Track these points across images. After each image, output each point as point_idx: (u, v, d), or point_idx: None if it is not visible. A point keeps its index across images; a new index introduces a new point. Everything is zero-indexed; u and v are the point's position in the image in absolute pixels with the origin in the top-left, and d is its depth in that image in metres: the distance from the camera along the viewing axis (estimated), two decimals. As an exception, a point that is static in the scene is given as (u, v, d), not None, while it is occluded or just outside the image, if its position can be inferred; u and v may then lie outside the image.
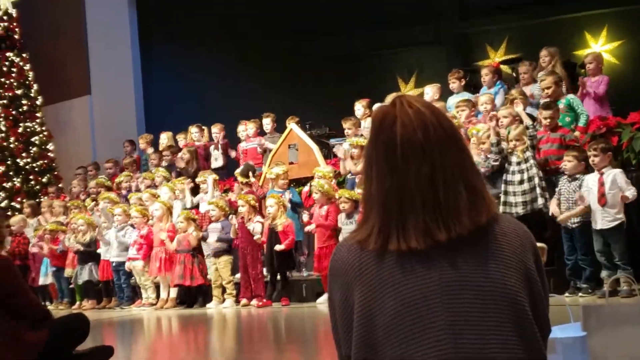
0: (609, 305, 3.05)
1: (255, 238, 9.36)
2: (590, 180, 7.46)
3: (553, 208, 7.67)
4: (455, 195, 1.78)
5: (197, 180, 11.03)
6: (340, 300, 1.86)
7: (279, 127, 11.82)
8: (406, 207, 1.78)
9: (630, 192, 7.24)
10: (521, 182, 7.95)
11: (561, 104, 8.60)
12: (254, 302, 9.39)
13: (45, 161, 15.76)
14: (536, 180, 7.90)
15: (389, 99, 10.69)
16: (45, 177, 15.62)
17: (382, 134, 1.84)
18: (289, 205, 9.71)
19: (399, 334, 1.73)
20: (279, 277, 9.46)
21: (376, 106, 10.28)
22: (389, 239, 1.78)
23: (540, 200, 7.85)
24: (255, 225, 9.41)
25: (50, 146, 15.97)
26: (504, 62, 15.29)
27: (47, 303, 12.36)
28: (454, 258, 1.76)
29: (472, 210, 1.79)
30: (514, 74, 11.22)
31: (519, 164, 8.02)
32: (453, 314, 1.72)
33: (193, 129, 12.85)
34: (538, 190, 7.88)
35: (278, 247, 9.12)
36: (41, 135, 15.83)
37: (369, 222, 1.83)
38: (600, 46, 15.31)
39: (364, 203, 1.90)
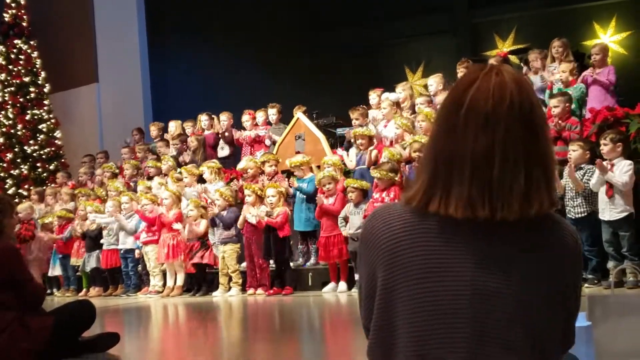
0: (614, 295, 3.05)
1: (260, 215, 9.31)
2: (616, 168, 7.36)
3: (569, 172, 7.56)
4: (511, 177, 1.65)
5: (201, 169, 11.02)
6: (366, 274, 1.80)
7: (286, 118, 11.79)
8: (455, 174, 1.67)
9: (621, 179, 7.18)
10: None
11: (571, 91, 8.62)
12: (260, 291, 9.41)
13: (53, 149, 15.81)
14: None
15: (399, 87, 10.66)
16: (53, 164, 15.67)
17: (455, 93, 1.73)
18: (299, 194, 9.74)
19: (419, 329, 1.68)
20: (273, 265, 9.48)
21: (388, 94, 10.32)
22: (432, 202, 1.69)
23: None
24: (261, 208, 9.40)
25: (57, 134, 16.01)
26: (512, 52, 15.23)
27: (55, 290, 12.42)
28: (490, 257, 1.67)
29: (525, 198, 1.65)
30: (522, 64, 11.16)
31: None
32: (478, 322, 1.65)
33: (203, 117, 12.86)
34: None
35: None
36: (48, 123, 15.87)
37: (417, 182, 1.75)
38: (608, 37, 15.24)
39: (422, 160, 1.78)
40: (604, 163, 7.26)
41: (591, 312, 2.93)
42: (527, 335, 1.65)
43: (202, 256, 10.17)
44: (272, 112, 11.90)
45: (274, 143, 11.62)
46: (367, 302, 1.80)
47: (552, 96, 8.47)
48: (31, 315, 5.18)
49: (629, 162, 7.38)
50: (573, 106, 8.60)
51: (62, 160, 15.92)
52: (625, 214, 7.26)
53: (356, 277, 8.79)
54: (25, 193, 14.88)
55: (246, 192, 9.70)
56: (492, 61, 10.25)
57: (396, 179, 8.57)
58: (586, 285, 7.47)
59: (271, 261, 9.58)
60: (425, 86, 11.76)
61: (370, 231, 1.79)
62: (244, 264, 9.91)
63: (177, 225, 10.29)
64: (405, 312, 1.69)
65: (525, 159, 1.66)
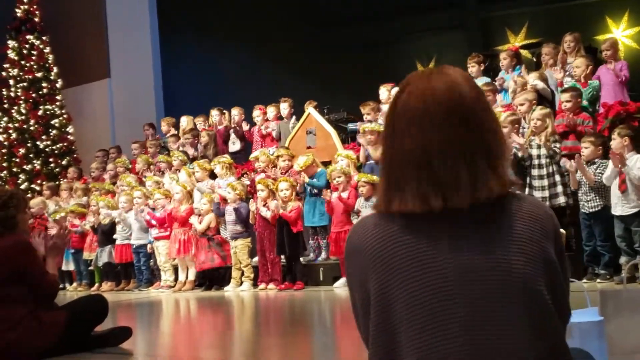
0: (626, 290, 3.05)
1: (272, 208, 9.32)
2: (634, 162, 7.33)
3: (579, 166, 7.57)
4: (453, 170, 1.76)
5: (212, 164, 11.04)
6: (357, 284, 1.86)
7: (298, 113, 11.80)
8: (406, 173, 1.80)
9: (637, 174, 7.15)
10: (541, 176, 7.91)
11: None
12: (272, 285, 9.43)
13: (65, 144, 15.88)
14: (557, 177, 7.86)
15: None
16: (65, 159, 15.74)
17: (398, 99, 1.86)
18: (309, 189, 9.76)
19: (417, 321, 1.73)
20: (284, 260, 9.49)
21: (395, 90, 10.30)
22: (392, 201, 1.81)
23: (562, 198, 7.82)
24: (272, 203, 9.43)
25: (69, 129, 16.07)
26: (523, 47, 15.19)
27: (67, 285, 12.48)
28: (463, 239, 1.76)
29: (472, 187, 1.76)
30: (534, 58, 11.14)
31: (539, 157, 7.94)
32: (469, 306, 1.72)
33: (214, 112, 12.89)
34: (559, 188, 7.85)
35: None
36: (61, 118, 15.94)
37: (380, 183, 1.88)
38: (621, 31, 15.20)
39: (381, 164, 1.91)
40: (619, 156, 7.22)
41: (603, 307, 2.92)
42: (521, 310, 1.71)
43: (212, 258, 10.16)
44: (284, 107, 11.91)
45: (278, 138, 11.65)
46: (363, 315, 1.86)
47: (563, 91, 8.44)
48: (44, 310, 5.21)
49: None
50: (584, 102, 8.57)
51: (75, 155, 15.99)
52: (637, 209, 7.23)
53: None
54: (37, 188, 14.95)
55: (259, 186, 9.71)
56: (503, 55, 10.22)
57: None
58: (598, 280, 7.46)
59: (282, 256, 9.59)
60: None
61: (352, 247, 1.89)
62: (255, 259, 9.94)
63: (193, 219, 10.28)
64: (402, 311, 1.75)
65: (464, 152, 1.77)
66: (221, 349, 5.58)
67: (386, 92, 10.83)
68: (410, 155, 1.79)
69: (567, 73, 9.26)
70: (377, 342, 1.81)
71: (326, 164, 10.00)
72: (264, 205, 9.55)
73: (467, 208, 1.76)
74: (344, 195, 9.11)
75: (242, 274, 9.91)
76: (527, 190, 7.87)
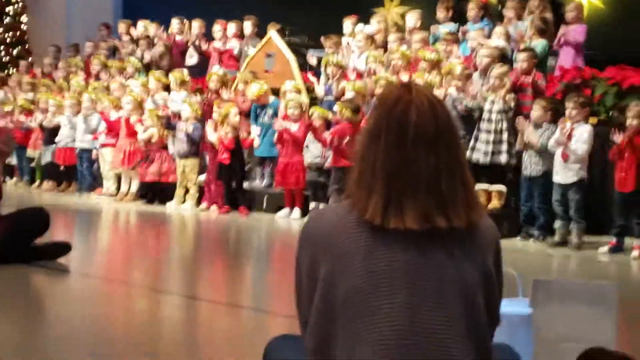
0: (558, 281, 3.17)
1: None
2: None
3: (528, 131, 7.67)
4: (454, 189, 1.88)
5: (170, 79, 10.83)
6: (307, 267, 1.94)
7: (260, 33, 11.60)
8: (409, 190, 1.86)
9: (580, 149, 7.30)
10: (488, 131, 7.98)
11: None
12: (214, 207, 9.44)
13: (17, 33, 15.44)
14: (505, 135, 7.92)
15: (374, 19, 10.48)
16: (16, 49, 15.34)
17: (394, 113, 1.91)
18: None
19: (357, 309, 1.82)
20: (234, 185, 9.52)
21: (362, 27, 10.19)
22: (389, 215, 1.85)
23: (504, 157, 7.88)
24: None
25: (23, 18, 15.60)
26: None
27: (7, 179, 12.32)
28: (429, 246, 1.86)
29: (468, 206, 1.90)
30: (499, 7, 10.98)
31: (490, 112, 8.00)
32: (412, 295, 1.81)
33: (175, 21, 12.47)
34: (504, 146, 7.92)
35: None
36: (16, 7, 15.44)
37: (371, 195, 1.88)
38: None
39: (362, 172, 1.92)
40: (565, 131, 7.30)
41: (534, 295, 3.03)
42: (456, 301, 1.83)
43: (156, 172, 10.09)
44: (248, 25, 11.68)
45: (238, 58, 11.46)
46: (307, 299, 1.94)
47: (521, 51, 8.38)
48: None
49: (589, 127, 7.44)
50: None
51: (26, 46, 15.57)
52: (576, 178, 7.37)
53: (312, 205, 8.88)
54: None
55: (215, 109, 9.58)
56: (471, 6, 10.04)
57: (355, 118, 8.48)
58: (532, 240, 7.66)
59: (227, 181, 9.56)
60: (402, 15, 11.65)
61: (309, 233, 1.97)
62: (201, 179, 9.89)
63: (139, 129, 10.12)
64: (341, 299, 1.84)
65: (460, 169, 1.92)
66: (155, 276, 5.64)
67: (350, 26, 10.72)
68: (420, 172, 1.87)
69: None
70: (315, 326, 1.90)
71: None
72: (214, 130, 9.44)
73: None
74: (294, 128, 9.08)
75: (186, 192, 9.89)
76: (471, 142, 7.96)
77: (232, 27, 11.79)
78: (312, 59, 10.49)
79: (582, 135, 7.33)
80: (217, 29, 11.89)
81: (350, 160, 8.24)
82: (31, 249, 5.43)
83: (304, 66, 11.01)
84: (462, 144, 2.07)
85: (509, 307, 2.77)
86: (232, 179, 9.37)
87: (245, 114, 9.80)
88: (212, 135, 9.38)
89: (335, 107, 8.83)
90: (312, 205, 8.90)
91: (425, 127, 1.88)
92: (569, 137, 7.29)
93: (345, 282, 1.84)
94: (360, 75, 9.69)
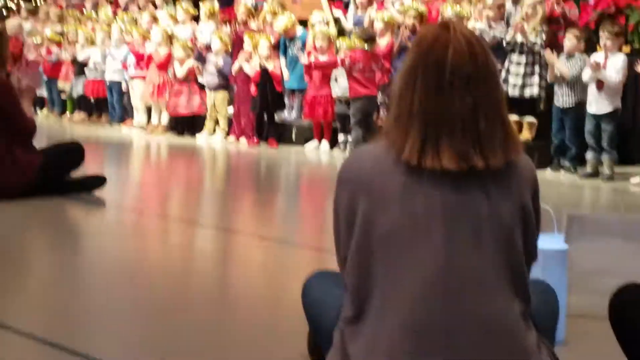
0: (592, 215, 3.18)
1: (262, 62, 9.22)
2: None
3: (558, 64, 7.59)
4: (493, 129, 1.88)
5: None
6: (346, 206, 1.96)
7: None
8: (446, 130, 1.86)
9: (615, 78, 7.21)
10: (519, 64, 7.89)
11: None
12: (243, 139, 9.46)
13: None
14: (536, 67, 7.84)
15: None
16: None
17: (432, 54, 1.89)
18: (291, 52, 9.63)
19: (395, 248, 1.86)
20: (266, 117, 9.51)
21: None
22: (425, 156, 1.85)
23: (535, 89, 7.81)
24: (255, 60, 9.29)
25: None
26: None
27: (38, 110, 12.41)
28: (466, 186, 1.87)
29: (505, 146, 1.89)
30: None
31: (522, 45, 7.88)
32: (450, 235, 1.84)
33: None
34: (535, 78, 7.84)
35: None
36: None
37: (408, 136, 1.88)
38: None
39: (400, 113, 1.92)
40: (598, 61, 7.20)
41: (568, 229, 3.04)
42: (493, 239, 1.86)
43: (185, 105, 10.11)
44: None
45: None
46: (346, 234, 1.96)
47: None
48: (21, 150, 5.30)
49: (623, 56, 7.32)
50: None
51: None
52: (611, 108, 7.30)
53: (340, 138, 8.89)
54: (13, 7, 14.48)
55: (246, 40, 9.50)
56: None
57: (366, 48, 8.40)
58: (563, 171, 7.64)
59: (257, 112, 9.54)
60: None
61: (354, 168, 1.98)
62: (231, 111, 9.88)
63: (176, 65, 10.10)
64: (382, 237, 1.87)
65: (499, 109, 1.91)
66: (188, 209, 5.73)
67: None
68: (457, 112, 1.86)
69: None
70: (354, 262, 1.93)
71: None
72: (247, 60, 9.37)
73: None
74: (323, 59, 9.00)
75: (216, 123, 9.91)
76: (502, 74, 7.87)
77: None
78: None
79: (616, 65, 7.22)
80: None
81: (377, 92, 8.29)
82: (67, 182, 5.53)
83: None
84: (501, 84, 2.01)
85: (544, 242, 2.79)
86: (263, 111, 9.36)
87: (274, 46, 9.72)
88: (245, 67, 9.32)
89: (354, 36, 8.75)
90: (340, 137, 8.88)
91: (462, 68, 1.86)
92: (604, 66, 7.19)
93: (384, 222, 1.86)
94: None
